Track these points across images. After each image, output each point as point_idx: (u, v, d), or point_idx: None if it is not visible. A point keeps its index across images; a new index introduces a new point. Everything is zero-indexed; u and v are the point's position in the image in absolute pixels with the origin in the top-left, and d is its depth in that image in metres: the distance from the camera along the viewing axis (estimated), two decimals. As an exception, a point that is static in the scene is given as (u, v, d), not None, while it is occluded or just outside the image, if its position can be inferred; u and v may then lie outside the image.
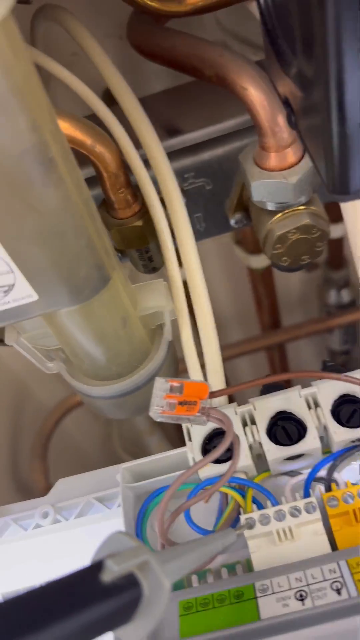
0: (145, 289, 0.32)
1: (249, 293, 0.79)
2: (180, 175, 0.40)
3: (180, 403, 0.28)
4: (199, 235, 0.45)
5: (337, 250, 0.74)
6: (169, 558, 0.23)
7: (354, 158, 0.23)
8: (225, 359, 0.82)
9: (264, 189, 0.35)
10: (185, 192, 0.41)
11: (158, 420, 0.28)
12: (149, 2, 0.35)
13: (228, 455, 0.32)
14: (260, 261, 0.70)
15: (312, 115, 0.24)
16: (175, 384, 0.28)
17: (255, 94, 0.33)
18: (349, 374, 0.32)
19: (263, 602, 0.25)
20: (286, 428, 0.32)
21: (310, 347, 0.92)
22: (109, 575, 0.20)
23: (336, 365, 0.35)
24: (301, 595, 0.25)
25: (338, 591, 0.25)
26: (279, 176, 0.34)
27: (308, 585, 0.25)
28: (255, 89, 0.33)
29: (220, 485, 0.28)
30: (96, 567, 0.20)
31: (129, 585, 0.20)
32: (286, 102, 0.29)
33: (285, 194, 0.35)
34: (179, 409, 0.28)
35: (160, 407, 0.28)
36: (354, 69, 0.19)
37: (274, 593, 0.26)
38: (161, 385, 0.28)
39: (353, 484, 0.30)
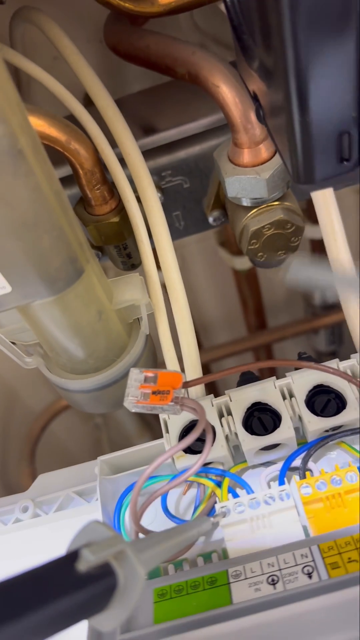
0: (121, 283, 0.32)
1: (235, 295, 0.79)
2: (157, 173, 0.41)
3: (154, 392, 0.28)
4: (178, 234, 0.45)
5: (321, 251, 0.75)
6: (145, 547, 0.23)
7: (316, 146, 0.24)
8: (213, 361, 0.83)
9: (238, 185, 0.36)
10: (163, 191, 0.42)
11: (133, 410, 0.28)
12: (122, 3, 0.35)
13: (199, 446, 0.32)
14: (244, 262, 0.71)
15: (275, 107, 0.25)
16: (150, 374, 0.29)
17: (227, 91, 0.33)
18: (324, 363, 0.33)
19: (235, 587, 0.26)
20: (261, 419, 0.33)
21: (296, 348, 0.92)
22: (84, 564, 0.20)
23: (310, 357, 0.35)
24: (273, 580, 0.25)
25: (309, 575, 0.25)
26: (252, 172, 0.35)
27: (280, 570, 0.26)
28: (227, 86, 0.33)
29: (190, 474, 0.28)
30: (72, 556, 0.20)
31: (104, 574, 0.20)
32: (255, 98, 0.29)
33: (259, 190, 0.36)
34: (153, 398, 0.28)
35: (135, 397, 0.28)
36: (310, 54, 0.20)
37: (246, 578, 0.26)
38: (136, 375, 0.29)
39: (327, 472, 0.30)
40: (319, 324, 0.79)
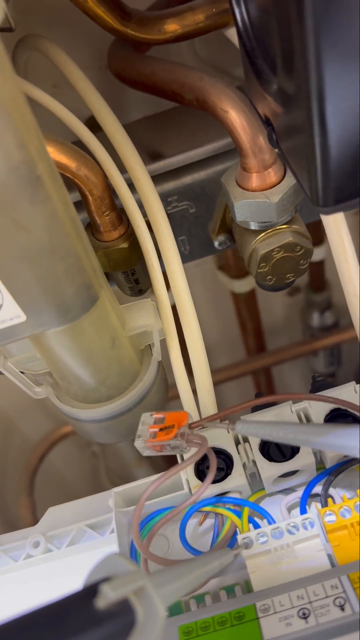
0: (133, 309, 0.32)
1: (234, 318, 0.79)
2: (164, 198, 0.41)
3: (161, 429, 0.28)
4: (183, 258, 0.45)
5: (318, 273, 0.75)
6: (165, 581, 0.22)
7: (337, 169, 0.24)
8: (213, 384, 0.82)
9: (246, 209, 0.36)
10: (169, 216, 0.42)
11: (145, 453, 0.29)
12: (129, 31, 0.36)
13: (222, 475, 0.32)
14: (243, 285, 0.71)
15: (294, 131, 0.24)
16: (158, 415, 0.29)
17: (236, 116, 0.33)
18: (332, 394, 0.32)
19: (265, 622, 0.25)
20: (279, 445, 0.32)
21: (296, 370, 0.92)
22: (103, 601, 0.19)
23: (325, 380, 0.35)
24: (304, 613, 0.25)
25: (341, 607, 0.24)
26: (261, 196, 0.35)
27: (310, 602, 0.25)
28: (235, 111, 0.33)
29: (189, 503, 0.28)
30: (90, 591, 0.20)
31: (124, 611, 0.20)
32: (267, 121, 0.29)
33: (268, 213, 0.35)
34: (159, 435, 0.28)
35: (145, 437, 0.28)
36: (333, 77, 0.20)
37: (276, 612, 0.25)
38: (146, 419, 0.29)
39: (349, 499, 0.29)
40: (318, 345, 0.79)
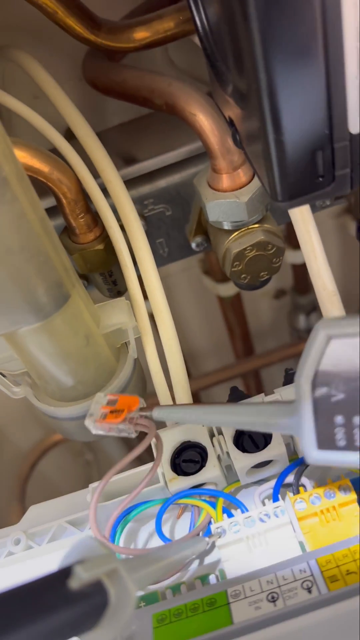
0: (107, 307, 0.33)
1: (221, 322, 0.80)
2: (140, 202, 0.42)
3: (111, 412, 0.29)
4: (163, 260, 0.46)
5: (303, 275, 0.76)
6: (138, 565, 0.23)
7: (292, 164, 0.25)
8: (203, 388, 0.83)
9: (218, 209, 0.37)
10: (146, 219, 0.43)
11: (94, 431, 0.29)
12: (100, 40, 0.37)
13: (197, 468, 0.32)
14: (228, 289, 0.72)
15: (251, 130, 0.25)
16: (112, 397, 0.29)
17: (204, 119, 0.35)
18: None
19: (235, 607, 0.25)
20: (252, 436, 0.33)
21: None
22: (77, 581, 0.20)
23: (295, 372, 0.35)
24: (273, 597, 0.25)
25: (309, 590, 0.25)
26: (231, 196, 0.36)
27: (279, 586, 0.25)
28: (203, 114, 0.35)
29: (141, 488, 0.29)
30: (64, 572, 0.20)
31: (96, 592, 0.20)
32: (231, 123, 0.30)
33: (239, 213, 0.36)
34: (109, 417, 0.28)
35: (95, 417, 0.29)
36: (281, 76, 0.21)
37: (246, 597, 0.26)
38: (99, 399, 0.29)
39: (320, 487, 0.30)
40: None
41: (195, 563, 0.31)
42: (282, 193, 0.26)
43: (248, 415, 0.26)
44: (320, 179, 0.25)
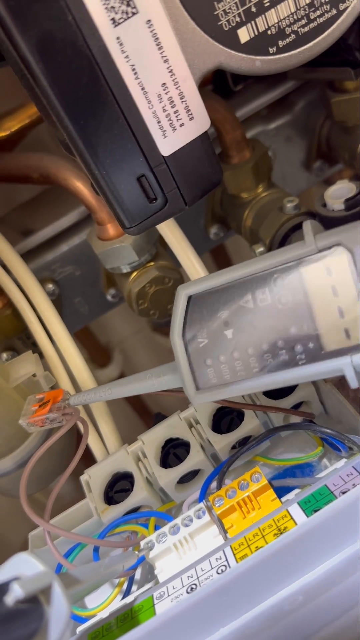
0: (15, 362, 0.35)
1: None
2: (47, 268, 0.45)
3: (40, 406, 0.31)
4: (84, 318, 0.49)
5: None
6: (73, 582, 0.24)
7: (123, 193, 0.28)
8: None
9: (109, 256, 0.40)
10: (57, 282, 0.46)
11: (30, 430, 0.32)
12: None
13: (125, 497, 0.33)
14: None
15: (86, 173, 0.29)
16: (41, 395, 0.33)
17: (75, 181, 0.39)
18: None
19: (159, 607, 0.26)
20: (176, 453, 0.34)
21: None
22: (12, 598, 0.21)
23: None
24: (192, 588, 0.26)
25: (222, 573, 0.26)
26: (117, 242, 0.40)
27: (198, 578, 0.26)
28: (74, 177, 0.39)
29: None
30: (0, 589, 0.21)
31: (32, 609, 0.21)
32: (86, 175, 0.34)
33: (128, 255, 0.40)
34: (38, 410, 0.31)
35: (27, 415, 0.31)
36: (82, 120, 0.25)
37: (169, 596, 0.26)
38: (30, 399, 0.32)
39: (234, 480, 0.31)
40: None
41: (136, 585, 0.31)
42: (127, 220, 0.29)
43: (142, 381, 0.30)
44: (155, 202, 0.29)
